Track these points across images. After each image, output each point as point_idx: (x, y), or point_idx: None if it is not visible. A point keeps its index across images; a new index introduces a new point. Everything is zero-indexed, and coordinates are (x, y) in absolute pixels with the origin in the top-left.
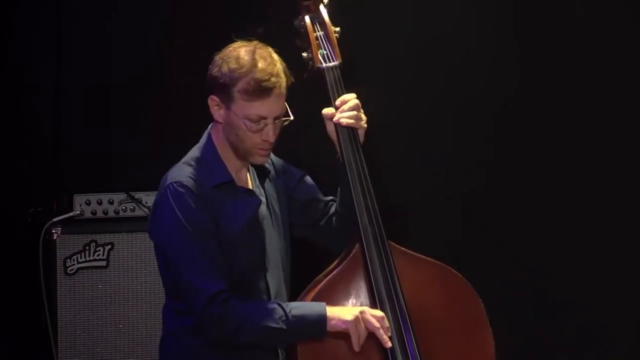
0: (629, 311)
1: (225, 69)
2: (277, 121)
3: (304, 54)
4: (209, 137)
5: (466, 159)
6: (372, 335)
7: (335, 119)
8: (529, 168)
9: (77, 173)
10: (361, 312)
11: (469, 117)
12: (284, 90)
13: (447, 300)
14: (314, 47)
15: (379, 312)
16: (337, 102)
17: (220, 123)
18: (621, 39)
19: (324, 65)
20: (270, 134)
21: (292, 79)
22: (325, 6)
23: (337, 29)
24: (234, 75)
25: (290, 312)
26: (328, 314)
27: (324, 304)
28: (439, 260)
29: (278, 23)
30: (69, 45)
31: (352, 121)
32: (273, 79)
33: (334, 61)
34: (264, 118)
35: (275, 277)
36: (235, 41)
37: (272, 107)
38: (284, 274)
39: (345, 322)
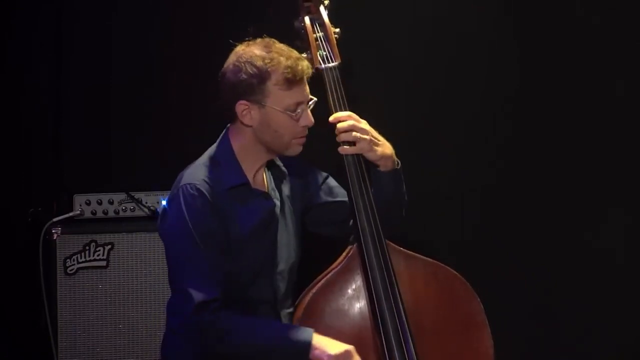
0: (629, 311)
1: (251, 69)
2: (308, 104)
3: (304, 55)
4: (226, 138)
5: (465, 159)
6: (371, 336)
7: (339, 148)
8: (528, 168)
9: (77, 173)
10: (346, 351)
11: (468, 117)
12: None
13: (445, 299)
14: (313, 48)
15: None
16: (331, 119)
17: (250, 126)
18: (621, 39)
19: (323, 66)
20: (309, 117)
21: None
22: (325, 7)
23: (337, 30)
24: (264, 70)
25: (276, 332)
26: (314, 342)
27: (312, 330)
28: (438, 260)
29: (278, 24)
30: (69, 45)
31: (354, 149)
32: (301, 63)
33: (333, 62)
34: (302, 103)
35: (282, 281)
36: (234, 45)
37: (307, 91)
38: (292, 277)
39: (329, 356)
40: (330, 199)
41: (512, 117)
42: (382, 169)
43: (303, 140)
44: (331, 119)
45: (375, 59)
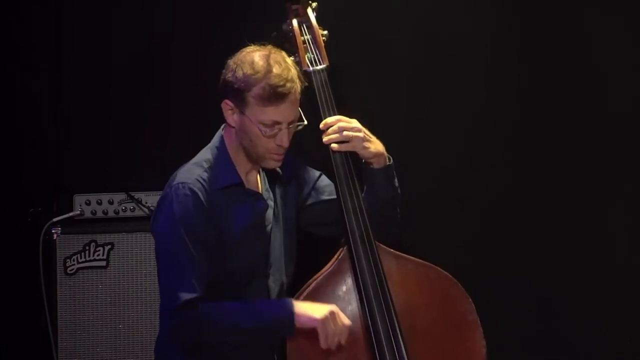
0: (629, 311)
1: (239, 73)
2: (291, 126)
3: (292, 58)
4: (221, 138)
5: (464, 159)
6: (362, 338)
7: (324, 139)
8: (528, 168)
9: (77, 173)
10: (330, 312)
11: (467, 117)
12: (298, 96)
13: (436, 300)
14: (301, 50)
15: (346, 320)
16: (321, 126)
17: (233, 127)
18: (622, 38)
19: (311, 68)
20: (284, 139)
21: (306, 84)
22: (313, 10)
23: (325, 32)
24: (248, 80)
25: (258, 312)
26: (296, 310)
27: (291, 300)
28: (437, 260)
29: (268, 26)
30: (68, 45)
31: (347, 146)
32: (288, 85)
33: (321, 64)
34: (278, 123)
35: (276, 283)
36: (249, 45)
37: (287, 113)
38: (287, 279)
39: (314, 320)
40: (322, 198)
41: (511, 117)
42: (375, 166)
43: (278, 157)
44: (321, 126)
45: (364, 61)
